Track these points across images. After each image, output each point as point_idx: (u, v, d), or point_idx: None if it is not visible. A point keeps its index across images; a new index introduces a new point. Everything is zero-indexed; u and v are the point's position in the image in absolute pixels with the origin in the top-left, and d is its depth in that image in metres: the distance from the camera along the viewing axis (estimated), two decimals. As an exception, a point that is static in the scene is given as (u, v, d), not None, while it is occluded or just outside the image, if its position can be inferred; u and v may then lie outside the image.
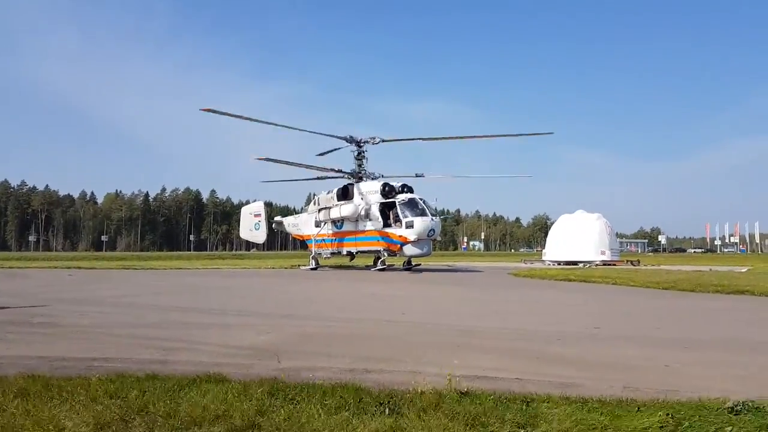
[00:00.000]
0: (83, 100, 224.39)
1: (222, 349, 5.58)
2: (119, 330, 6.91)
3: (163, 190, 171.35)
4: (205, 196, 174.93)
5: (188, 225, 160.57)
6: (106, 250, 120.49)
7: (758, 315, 9.03)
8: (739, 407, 3.37)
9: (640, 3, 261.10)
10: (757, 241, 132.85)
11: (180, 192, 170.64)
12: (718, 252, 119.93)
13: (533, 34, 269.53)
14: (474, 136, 26.05)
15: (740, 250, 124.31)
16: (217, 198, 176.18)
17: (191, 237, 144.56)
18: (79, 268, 25.80)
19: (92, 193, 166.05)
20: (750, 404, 3.43)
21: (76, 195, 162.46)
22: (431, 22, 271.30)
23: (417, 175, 26.91)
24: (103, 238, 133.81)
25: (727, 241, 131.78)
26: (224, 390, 3.77)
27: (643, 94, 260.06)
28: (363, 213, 24.83)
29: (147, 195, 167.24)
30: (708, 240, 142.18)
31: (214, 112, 23.00)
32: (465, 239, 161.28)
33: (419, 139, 25.44)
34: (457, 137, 25.77)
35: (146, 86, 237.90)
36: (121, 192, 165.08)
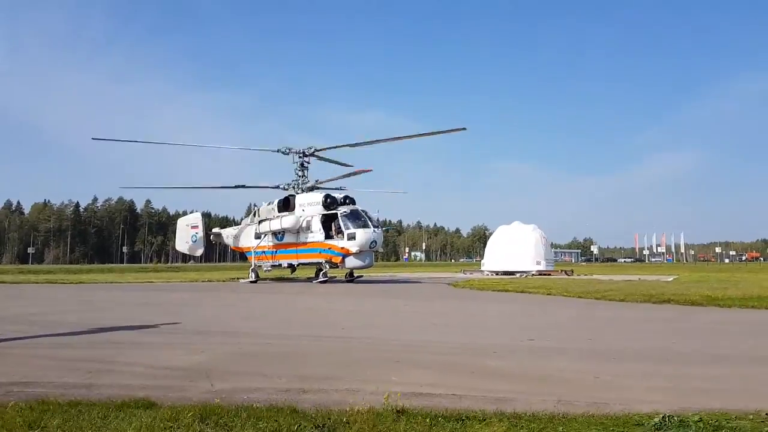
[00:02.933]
0: (10, 107, 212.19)
1: (152, 371, 5.33)
2: (41, 351, 6.51)
3: (95, 200, 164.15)
4: (139, 206, 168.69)
5: (121, 236, 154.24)
6: (32, 263, 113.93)
7: (683, 324, 9.48)
8: (665, 421, 3.49)
9: (569, 19, 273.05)
10: (682, 251, 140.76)
11: (113, 202, 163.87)
12: (647, 261, 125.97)
13: (472, 47, 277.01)
14: (392, 138, 26.75)
15: (667, 260, 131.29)
16: (153, 208, 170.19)
17: (124, 249, 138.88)
18: (2, 282, 24.23)
19: (18, 202, 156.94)
20: (675, 418, 3.57)
21: (0, 205, 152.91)
22: (372, 32, 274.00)
23: (341, 188, 27.03)
24: (30, 250, 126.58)
25: (654, 251, 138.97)
26: (152, 416, 3.59)
27: (575, 108, 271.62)
28: (304, 225, 24.60)
29: (77, 205, 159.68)
30: (637, 250, 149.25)
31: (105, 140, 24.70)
32: (407, 250, 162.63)
33: (347, 146, 25.67)
34: (380, 140, 26.14)
35: (78, 94, 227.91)
36: (49, 202, 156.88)
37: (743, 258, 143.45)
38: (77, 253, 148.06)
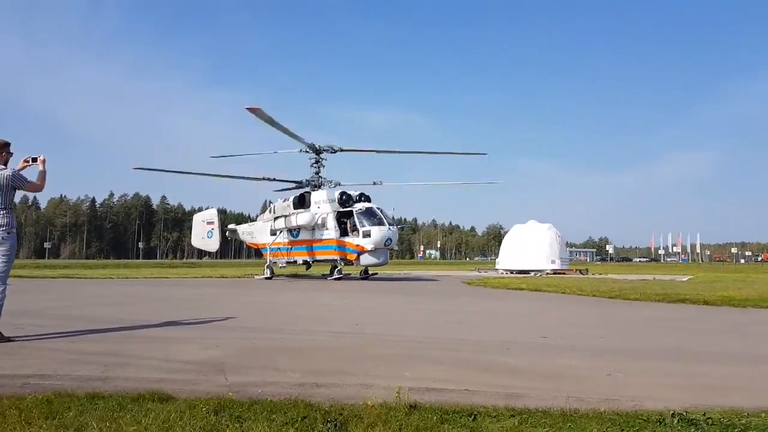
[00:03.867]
0: (26, 102, 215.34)
1: (167, 365, 5.41)
2: (59, 344, 6.63)
3: (111, 195, 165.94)
4: (155, 202, 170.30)
5: (137, 232, 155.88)
6: (49, 258, 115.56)
7: (696, 324, 9.41)
8: (674, 419, 3.50)
9: (586, 18, 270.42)
10: (698, 251, 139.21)
11: (129, 198, 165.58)
12: (662, 261, 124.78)
13: (488, 45, 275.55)
14: (416, 152, 27.40)
15: (682, 260, 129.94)
16: (168, 204, 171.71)
17: (140, 244, 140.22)
18: (19, 277, 24.64)
19: (35, 197, 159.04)
20: (685, 414, 3.57)
21: (17, 200, 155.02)
22: (389, 31, 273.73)
23: (375, 183, 27.01)
24: (46, 245, 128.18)
25: (670, 251, 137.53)
26: (167, 409, 3.65)
27: (592, 107, 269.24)
28: (320, 222, 24.67)
29: (93, 200, 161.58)
30: (653, 250, 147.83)
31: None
32: (421, 248, 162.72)
33: (373, 151, 25.77)
34: (406, 151, 26.94)
35: (96, 89, 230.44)
36: (65, 197, 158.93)
37: (759, 258, 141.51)
38: (93, 248, 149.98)
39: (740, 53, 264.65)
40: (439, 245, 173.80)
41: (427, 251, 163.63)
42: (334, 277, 24.04)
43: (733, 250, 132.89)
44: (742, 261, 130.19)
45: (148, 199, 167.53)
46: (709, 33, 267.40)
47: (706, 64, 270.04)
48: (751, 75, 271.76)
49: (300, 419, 3.46)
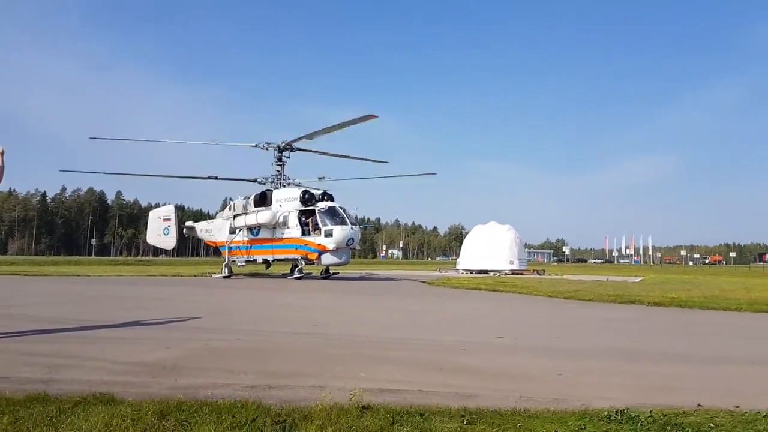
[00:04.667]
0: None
1: (115, 366, 5.24)
2: None
3: (63, 189, 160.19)
4: (110, 197, 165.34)
5: (90, 228, 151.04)
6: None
7: (646, 324, 9.69)
8: (618, 416, 3.61)
9: (547, 21, 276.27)
10: (650, 253, 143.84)
11: (82, 192, 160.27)
12: (615, 263, 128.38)
13: (452, 46, 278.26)
14: (366, 159, 27.52)
15: (635, 261, 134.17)
16: (124, 200, 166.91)
17: (93, 241, 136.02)
18: (-38, 274, 23.57)
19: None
20: (627, 412, 3.67)
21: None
22: (355, 31, 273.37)
23: (320, 179, 26.96)
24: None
25: (623, 252, 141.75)
26: (110, 413, 3.52)
27: (551, 111, 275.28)
28: (281, 220, 24.39)
29: (44, 195, 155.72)
30: (607, 251, 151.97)
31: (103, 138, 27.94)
32: (384, 247, 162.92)
33: (317, 152, 25.96)
34: (362, 159, 27.14)
35: (55, 82, 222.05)
36: (14, 191, 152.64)
37: (707, 261, 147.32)
38: (43, 245, 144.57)
39: (693, 61, 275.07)
40: (401, 245, 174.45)
41: (390, 251, 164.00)
42: (295, 276, 23.83)
43: (683, 252, 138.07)
44: (691, 263, 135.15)
45: (102, 194, 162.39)
46: (664, 41, 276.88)
47: (660, 72, 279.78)
48: (704, 83, 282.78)
49: (249, 422, 3.39)
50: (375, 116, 23.12)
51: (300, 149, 26.49)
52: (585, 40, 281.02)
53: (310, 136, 25.25)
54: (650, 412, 3.70)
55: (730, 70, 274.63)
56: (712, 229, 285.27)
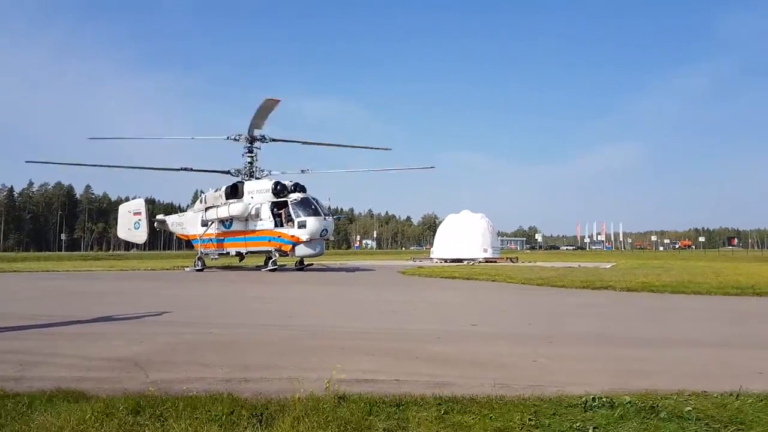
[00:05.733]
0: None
1: (87, 362, 5.15)
2: (-34, 343, 6.18)
3: (31, 184, 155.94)
4: (78, 191, 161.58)
5: (59, 223, 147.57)
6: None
7: (618, 309, 9.89)
8: (594, 402, 3.66)
9: (518, 11, 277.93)
10: (621, 239, 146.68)
11: (50, 187, 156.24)
12: (587, 249, 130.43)
13: (424, 36, 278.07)
14: (338, 145, 27.04)
15: (606, 247, 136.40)
16: (93, 194, 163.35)
17: (63, 236, 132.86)
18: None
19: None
20: (604, 399, 3.73)
21: None
22: (327, 20, 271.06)
23: (303, 171, 26.76)
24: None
25: (594, 239, 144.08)
26: (82, 409, 3.46)
27: (522, 100, 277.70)
28: (253, 212, 24.19)
29: (11, 190, 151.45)
30: (578, 238, 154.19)
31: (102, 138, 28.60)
32: (358, 238, 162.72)
33: (308, 143, 25.66)
34: (336, 145, 26.79)
35: (15, 71, 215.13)
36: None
37: (677, 246, 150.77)
38: (11, 241, 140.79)
39: (661, 49, 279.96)
40: (375, 235, 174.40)
41: (364, 241, 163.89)
42: (269, 268, 23.67)
43: (653, 238, 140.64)
44: (661, 248, 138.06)
45: (70, 188, 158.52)
46: (633, 29, 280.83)
47: (629, 59, 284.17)
48: (671, 70, 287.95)
49: (225, 415, 3.37)
50: (278, 100, 23.18)
51: (275, 139, 26.24)
52: (554, 29, 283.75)
53: (256, 125, 25.04)
54: (628, 397, 3.75)
55: (696, 59, 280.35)
56: (682, 215, 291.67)
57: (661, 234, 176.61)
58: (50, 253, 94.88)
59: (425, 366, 5.00)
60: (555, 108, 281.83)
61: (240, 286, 16.16)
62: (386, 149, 23.33)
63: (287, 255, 24.33)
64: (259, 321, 8.30)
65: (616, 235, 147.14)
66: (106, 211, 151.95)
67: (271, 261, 24.01)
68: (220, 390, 4.02)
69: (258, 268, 25.73)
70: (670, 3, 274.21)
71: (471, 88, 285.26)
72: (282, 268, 24.77)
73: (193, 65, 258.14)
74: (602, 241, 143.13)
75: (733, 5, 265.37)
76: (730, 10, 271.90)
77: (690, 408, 3.57)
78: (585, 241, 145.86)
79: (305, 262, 25.46)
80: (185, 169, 26.53)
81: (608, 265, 27.27)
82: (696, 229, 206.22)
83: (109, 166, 29.29)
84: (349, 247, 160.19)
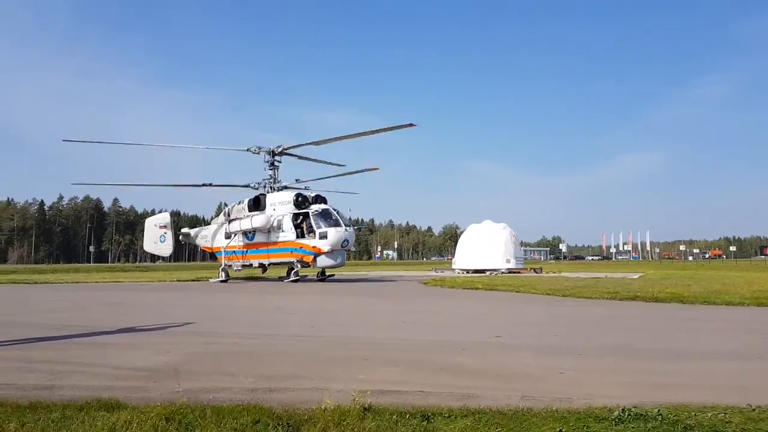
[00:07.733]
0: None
1: (117, 372, 5.24)
2: (2, 352, 6.33)
3: (60, 198, 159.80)
4: (107, 204, 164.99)
5: (88, 236, 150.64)
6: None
7: (647, 321, 9.69)
8: (624, 415, 3.58)
9: (539, 21, 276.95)
10: (648, 248, 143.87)
11: (79, 200, 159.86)
12: (613, 259, 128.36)
13: (445, 46, 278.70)
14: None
15: (633, 257, 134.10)
16: (120, 207, 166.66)
17: (91, 248, 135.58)
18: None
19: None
20: (634, 411, 3.65)
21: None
22: (346, 32, 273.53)
23: (297, 180, 27.00)
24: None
25: (621, 249, 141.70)
26: (114, 418, 3.52)
27: (546, 109, 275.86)
28: (275, 224, 24.41)
29: (42, 203, 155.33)
30: (604, 248, 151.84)
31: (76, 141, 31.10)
32: (379, 248, 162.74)
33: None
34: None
35: (44, 90, 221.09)
36: (13, 200, 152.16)
37: (706, 256, 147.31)
38: (42, 253, 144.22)
39: (684, 58, 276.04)
40: (396, 246, 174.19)
41: (385, 252, 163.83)
42: (291, 279, 23.81)
43: (682, 247, 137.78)
44: (690, 258, 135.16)
45: (99, 202, 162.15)
46: (656, 39, 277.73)
47: (653, 69, 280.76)
48: (696, 79, 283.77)
49: (251, 424, 3.40)
50: (414, 125, 22.38)
51: (291, 155, 26.50)
52: (577, 39, 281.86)
53: (317, 143, 25.28)
54: (658, 410, 3.66)
55: (722, 68, 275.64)
56: (712, 224, 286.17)
57: (690, 243, 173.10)
58: (79, 264, 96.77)
59: (450, 377, 4.97)
60: (579, 116, 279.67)
61: (263, 297, 16.28)
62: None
63: (309, 266, 24.46)
64: (282, 331, 8.35)
65: (643, 244, 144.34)
66: (132, 223, 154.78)
67: (293, 272, 24.16)
68: (246, 399, 4.05)
69: (280, 279, 25.89)
70: (691, 13, 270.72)
71: (494, 99, 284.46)
72: (304, 279, 24.89)
73: (212, 83, 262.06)
74: (629, 251, 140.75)
75: (756, 12, 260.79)
76: (753, 19, 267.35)
77: (724, 422, 3.46)
78: (611, 251, 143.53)
79: (327, 273, 25.54)
80: (207, 185, 27.00)
81: (636, 276, 26.78)
82: (726, 238, 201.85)
83: (139, 185, 30.24)
84: (370, 258, 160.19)
